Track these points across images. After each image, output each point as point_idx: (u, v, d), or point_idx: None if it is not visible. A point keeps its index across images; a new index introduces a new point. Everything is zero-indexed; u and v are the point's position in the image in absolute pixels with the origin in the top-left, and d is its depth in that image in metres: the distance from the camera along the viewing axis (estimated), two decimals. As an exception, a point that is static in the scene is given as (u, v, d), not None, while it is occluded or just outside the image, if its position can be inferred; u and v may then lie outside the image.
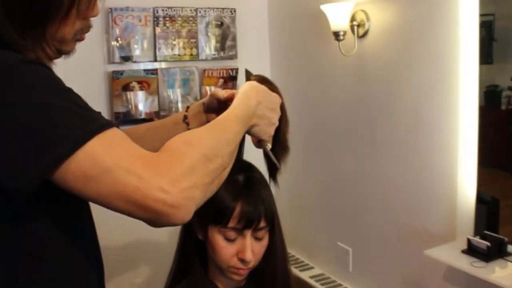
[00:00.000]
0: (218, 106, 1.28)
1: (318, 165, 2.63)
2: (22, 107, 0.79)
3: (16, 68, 0.82)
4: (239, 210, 1.20)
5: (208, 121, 1.17)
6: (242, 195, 1.21)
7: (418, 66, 1.97)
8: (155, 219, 0.83)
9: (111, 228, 2.44)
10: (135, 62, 2.54)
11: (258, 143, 1.20)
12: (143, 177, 0.80)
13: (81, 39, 0.99)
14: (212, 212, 1.20)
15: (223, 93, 1.26)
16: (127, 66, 2.53)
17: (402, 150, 2.08)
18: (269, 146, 1.20)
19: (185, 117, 1.33)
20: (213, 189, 0.93)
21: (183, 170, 0.83)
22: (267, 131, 1.16)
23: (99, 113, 0.88)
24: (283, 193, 2.73)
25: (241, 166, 1.26)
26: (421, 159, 1.99)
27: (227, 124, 1.02)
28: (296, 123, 2.77)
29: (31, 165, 0.79)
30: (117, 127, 0.87)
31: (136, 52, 2.54)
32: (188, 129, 1.29)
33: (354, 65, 2.29)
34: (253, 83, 1.17)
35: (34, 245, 0.91)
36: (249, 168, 1.29)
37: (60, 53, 0.97)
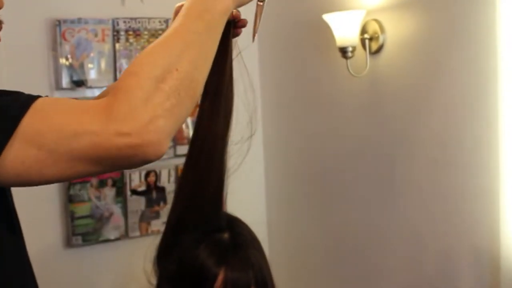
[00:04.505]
0: None
1: (323, 216, 2.58)
2: None
3: None
4: (223, 278, 1.23)
5: None
6: (226, 259, 1.25)
7: (447, 89, 1.94)
8: (128, 164, 0.92)
9: None
10: (90, 87, 2.48)
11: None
12: (96, 131, 0.87)
13: None
14: (189, 280, 1.24)
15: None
16: (80, 93, 2.47)
17: (429, 196, 2.03)
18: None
19: None
20: (187, 105, 0.97)
21: (135, 103, 0.89)
22: None
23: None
24: (280, 252, 2.77)
25: (225, 221, 1.29)
26: (453, 207, 1.96)
27: (183, 21, 1.03)
28: (294, 163, 2.82)
29: None
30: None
31: (91, 75, 2.49)
32: None
33: (366, 88, 2.26)
34: None
35: None
36: (235, 223, 1.32)
37: None
